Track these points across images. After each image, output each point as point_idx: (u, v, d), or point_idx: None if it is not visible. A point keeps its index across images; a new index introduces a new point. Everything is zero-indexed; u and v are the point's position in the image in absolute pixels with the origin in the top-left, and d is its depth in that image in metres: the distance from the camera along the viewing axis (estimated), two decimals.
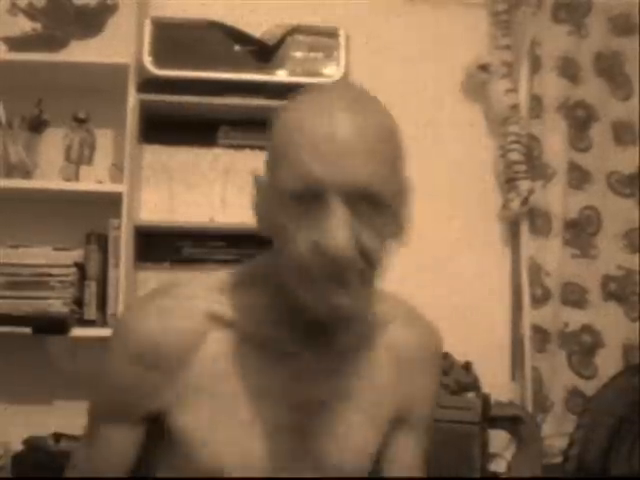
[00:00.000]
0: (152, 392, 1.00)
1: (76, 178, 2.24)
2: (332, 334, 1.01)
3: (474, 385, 2.23)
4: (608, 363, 2.41)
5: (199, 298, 1.00)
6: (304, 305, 0.92)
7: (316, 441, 1.03)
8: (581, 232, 2.47)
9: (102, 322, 2.16)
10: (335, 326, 1.01)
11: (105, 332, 2.11)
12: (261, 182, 0.98)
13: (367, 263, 0.90)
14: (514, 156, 2.44)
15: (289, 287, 0.93)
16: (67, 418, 2.13)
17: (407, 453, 1.15)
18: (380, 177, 0.89)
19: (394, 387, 1.09)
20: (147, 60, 2.17)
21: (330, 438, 1.03)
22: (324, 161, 0.87)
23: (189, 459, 1.00)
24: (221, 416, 0.99)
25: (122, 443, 1.03)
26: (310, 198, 0.88)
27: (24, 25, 2.29)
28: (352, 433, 1.05)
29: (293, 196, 0.89)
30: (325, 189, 0.87)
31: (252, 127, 2.23)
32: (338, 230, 0.86)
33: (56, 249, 2.17)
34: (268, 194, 0.94)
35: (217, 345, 0.99)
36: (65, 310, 2.12)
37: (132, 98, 2.17)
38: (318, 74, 2.23)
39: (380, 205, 0.90)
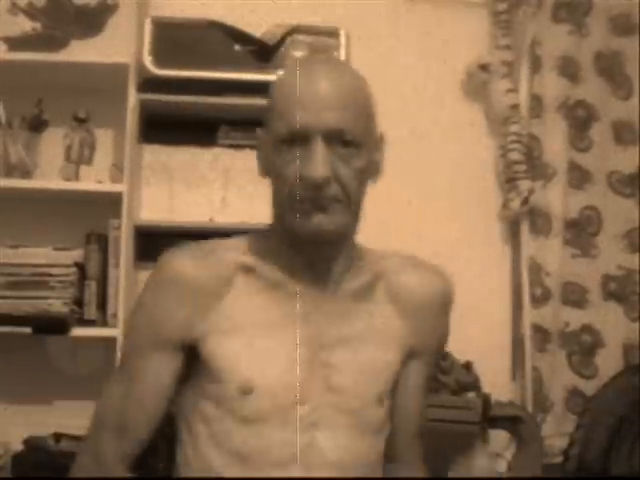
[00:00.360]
0: (187, 322, 1.14)
1: (76, 178, 2.24)
2: (332, 275, 1.19)
3: (474, 385, 2.23)
4: (608, 363, 2.41)
5: (229, 250, 1.20)
6: (292, 227, 1.12)
7: (330, 369, 1.16)
8: (581, 232, 2.47)
9: (102, 322, 2.16)
10: (330, 258, 1.18)
11: (105, 332, 2.11)
12: (260, 135, 1.21)
13: (344, 193, 1.11)
14: (514, 156, 2.44)
15: (282, 216, 1.14)
16: (67, 418, 2.13)
17: (415, 378, 1.27)
18: (352, 123, 1.11)
19: (400, 329, 1.22)
20: (147, 60, 2.17)
21: (342, 367, 1.16)
22: (307, 110, 1.09)
23: (220, 382, 1.13)
24: (247, 344, 1.13)
25: (160, 372, 1.15)
26: (297, 141, 1.10)
27: (24, 25, 2.29)
28: (359, 365, 1.18)
29: (283, 140, 1.11)
30: (308, 132, 1.09)
31: (252, 127, 2.18)
32: (318, 163, 1.08)
33: (56, 249, 2.17)
34: (265, 143, 1.17)
35: (242, 286, 1.16)
36: (65, 310, 2.12)
37: (132, 98, 2.17)
38: None
39: (353, 146, 1.11)
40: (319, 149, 1.08)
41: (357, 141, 1.11)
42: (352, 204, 1.13)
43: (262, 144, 1.20)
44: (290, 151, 1.10)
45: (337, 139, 1.09)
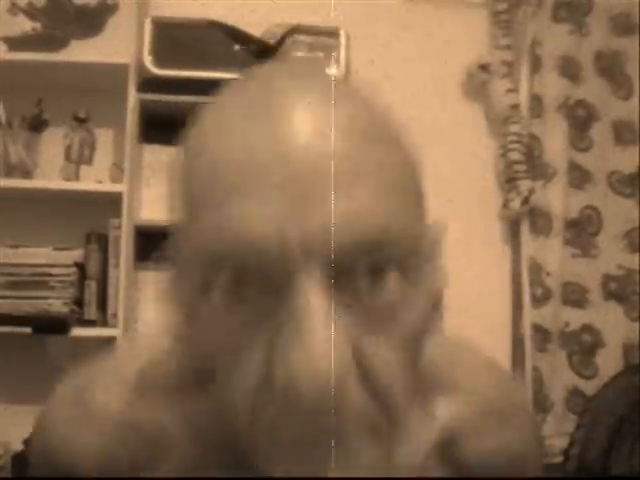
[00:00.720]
0: None
1: (76, 178, 2.24)
2: None
3: None
4: (608, 363, 2.40)
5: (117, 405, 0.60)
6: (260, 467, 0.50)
7: None
8: (582, 232, 2.47)
9: (102, 322, 2.16)
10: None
11: (105, 332, 2.11)
12: (178, 247, 0.55)
13: (375, 394, 0.48)
14: (514, 156, 2.44)
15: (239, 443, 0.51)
16: None
17: None
18: (385, 220, 0.49)
19: None
20: (147, 60, 2.17)
21: None
22: (276, 205, 0.47)
23: None
24: None
25: None
26: (255, 278, 0.48)
27: (24, 25, 2.29)
28: None
29: (222, 276, 0.48)
30: (283, 258, 0.47)
31: None
32: (315, 335, 0.45)
33: (56, 249, 2.18)
34: (182, 283, 0.53)
35: None
36: (65, 310, 2.12)
37: (132, 98, 2.17)
38: None
39: (393, 270, 0.49)
40: (314, 300, 0.46)
41: (399, 260, 0.50)
42: (393, 415, 0.50)
43: (175, 282, 0.56)
44: (240, 303, 0.48)
45: (351, 264, 0.48)
